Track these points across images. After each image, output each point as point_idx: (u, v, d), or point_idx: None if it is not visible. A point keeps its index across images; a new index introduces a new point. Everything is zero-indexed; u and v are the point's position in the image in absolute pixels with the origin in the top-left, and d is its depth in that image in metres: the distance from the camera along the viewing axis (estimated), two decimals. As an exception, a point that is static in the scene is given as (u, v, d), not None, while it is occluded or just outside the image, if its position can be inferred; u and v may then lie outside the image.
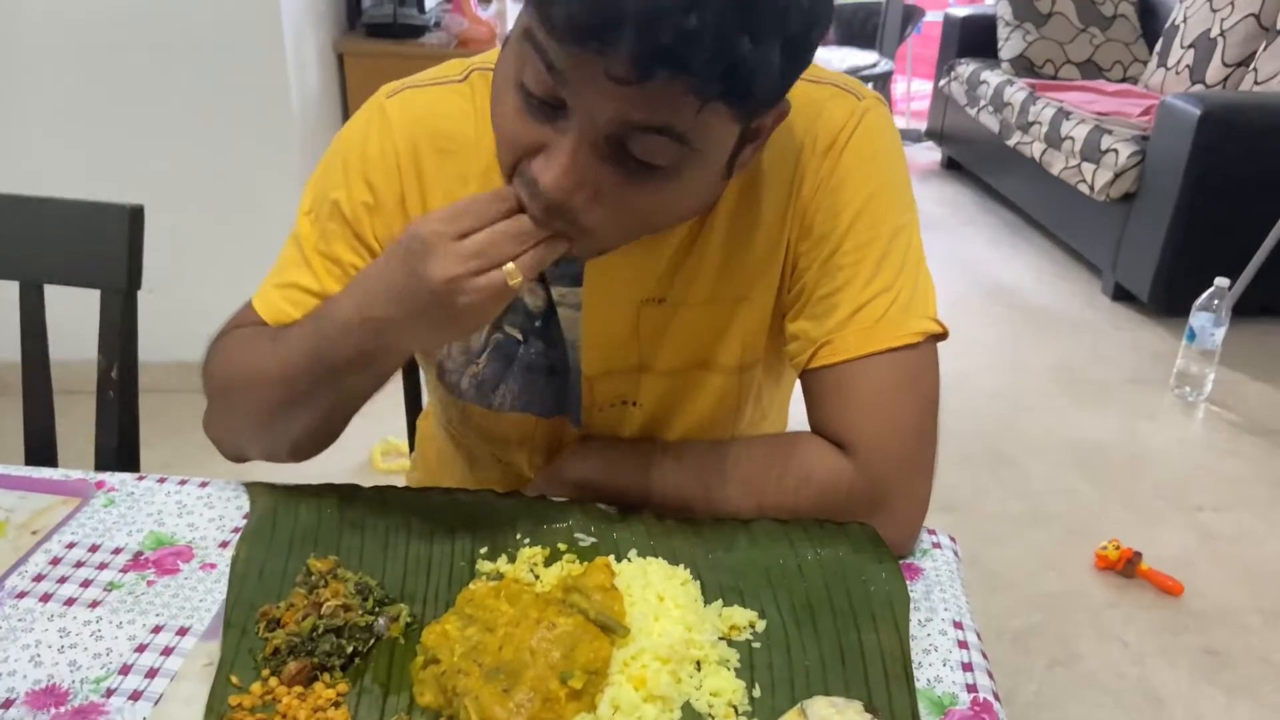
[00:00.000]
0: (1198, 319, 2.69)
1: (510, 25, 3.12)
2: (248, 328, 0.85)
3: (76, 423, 1.12)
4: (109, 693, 0.65)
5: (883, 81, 4.70)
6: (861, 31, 5.01)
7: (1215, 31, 3.48)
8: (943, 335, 0.82)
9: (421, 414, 1.22)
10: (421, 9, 2.76)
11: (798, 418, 0.99)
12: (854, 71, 4.26)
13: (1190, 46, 3.61)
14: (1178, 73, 3.66)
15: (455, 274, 0.66)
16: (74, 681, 0.66)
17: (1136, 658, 1.86)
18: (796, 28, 0.61)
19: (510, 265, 0.67)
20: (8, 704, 0.64)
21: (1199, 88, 3.52)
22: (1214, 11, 3.51)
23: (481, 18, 2.83)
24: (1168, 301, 3.12)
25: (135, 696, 0.65)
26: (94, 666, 0.67)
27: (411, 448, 1.26)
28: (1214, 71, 3.47)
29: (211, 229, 2.41)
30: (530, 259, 0.67)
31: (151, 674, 0.67)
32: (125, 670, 0.67)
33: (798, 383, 0.88)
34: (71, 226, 1.00)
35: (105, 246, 0.99)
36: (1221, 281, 2.65)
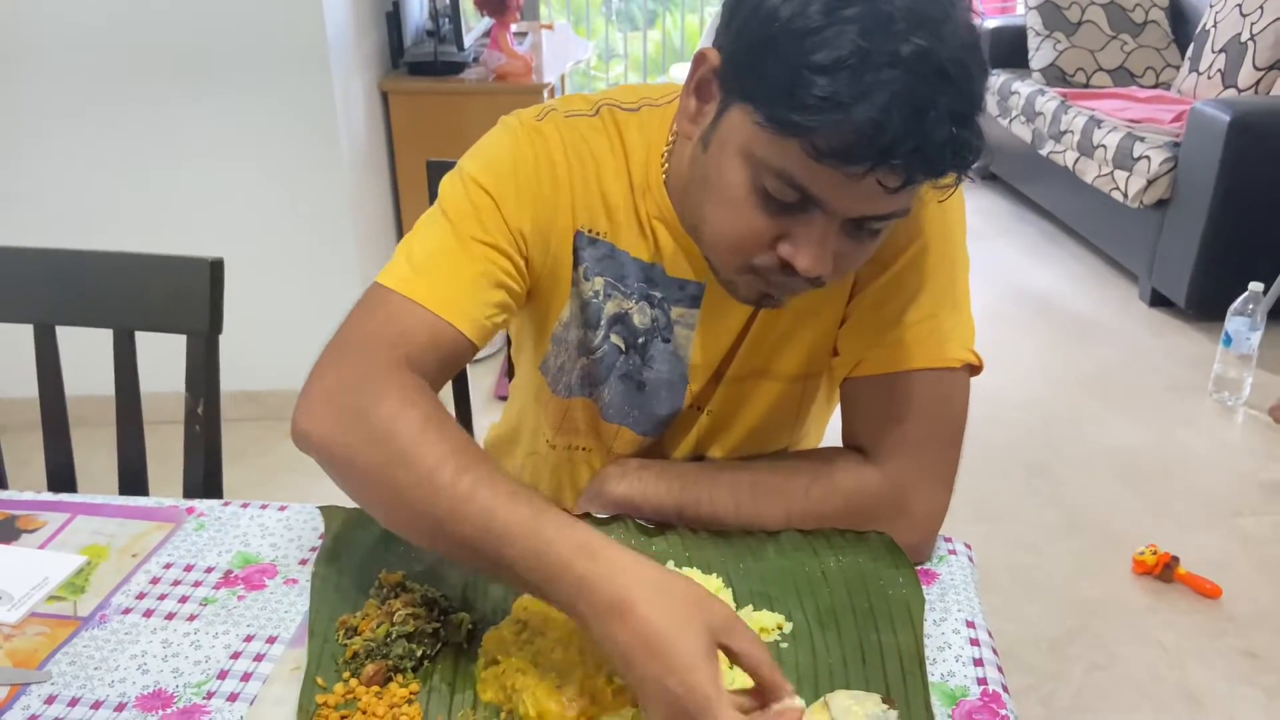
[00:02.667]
0: (1233, 324, 2.70)
1: (545, 59, 3.22)
2: (427, 402, 0.77)
3: (153, 449, 1.22)
4: (209, 695, 0.74)
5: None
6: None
7: (1245, 35, 3.49)
8: (978, 369, 0.90)
9: (493, 426, 1.27)
10: (461, 46, 2.87)
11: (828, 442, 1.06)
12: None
13: (1221, 51, 3.62)
14: (1209, 77, 3.67)
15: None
16: (178, 686, 0.75)
17: (1175, 661, 1.88)
18: (984, 99, 0.71)
19: None
20: (120, 707, 0.73)
21: (1231, 92, 3.52)
22: (1244, 16, 3.52)
23: (518, 52, 2.93)
24: (1204, 306, 3.13)
25: (233, 698, 0.74)
26: (195, 672, 0.76)
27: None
28: (1245, 75, 3.47)
29: (262, 264, 2.51)
30: None
31: (246, 678, 0.76)
32: (223, 675, 0.76)
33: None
34: (159, 278, 1.11)
35: (189, 295, 1.09)
36: (1256, 286, 2.67)
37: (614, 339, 0.96)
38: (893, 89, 0.64)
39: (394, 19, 2.96)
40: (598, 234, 0.92)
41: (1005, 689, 0.74)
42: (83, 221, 2.45)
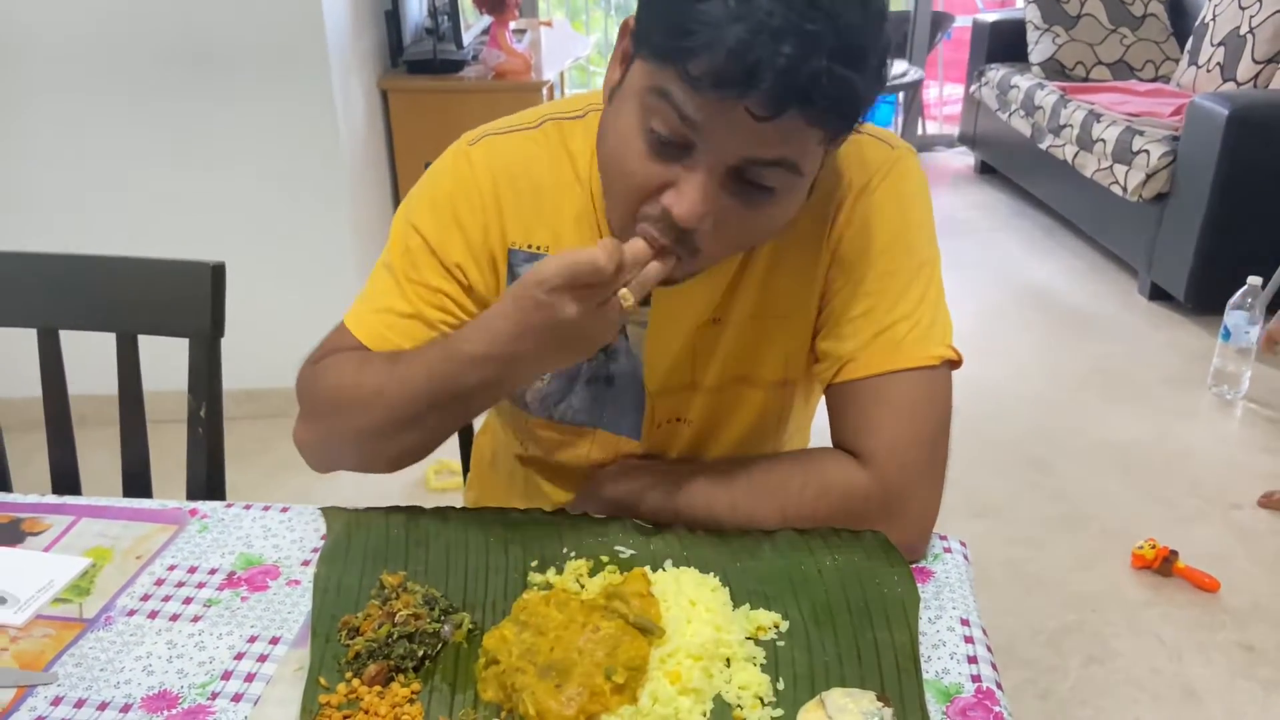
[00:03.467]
0: (1232, 318, 2.71)
1: (544, 57, 3.23)
2: (352, 352, 0.92)
3: (156, 448, 1.23)
4: (214, 696, 0.75)
5: (914, 89, 4.74)
6: (891, 40, 5.06)
7: (1244, 29, 3.49)
8: (957, 363, 0.90)
9: (480, 430, 1.30)
10: (460, 44, 2.88)
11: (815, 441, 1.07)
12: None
13: (1220, 44, 3.62)
14: (1209, 70, 3.67)
15: (581, 310, 0.75)
16: (183, 687, 0.76)
17: (1173, 654, 1.90)
18: (878, 58, 0.73)
19: (624, 290, 0.76)
20: (126, 708, 0.74)
21: (1230, 85, 3.53)
22: (1243, 9, 3.52)
23: (517, 50, 2.94)
24: (1203, 300, 3.13)
25: (237, 699, 0.75)
26: (199, 673, 0.77)
27: (465, 467, 1.35)
28: (1245, 68, 3.47)
29: (263, 261, 2.52)
30: (637, 283, 0.77)
31: (250, 678, 0.77)
32: (227, 676, 0.77)
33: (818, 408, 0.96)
34: (161, 282, 1.12)
35: (191, 300, 1.10)
36: (1254, 280, 2.68)
37: None
38: (762, 14, 0.68)
39: (393, 17, 2.96)
40: (536, 248, 0.93)
41: (999, 686, 0.75)
42: (83, 224, 2.46)
